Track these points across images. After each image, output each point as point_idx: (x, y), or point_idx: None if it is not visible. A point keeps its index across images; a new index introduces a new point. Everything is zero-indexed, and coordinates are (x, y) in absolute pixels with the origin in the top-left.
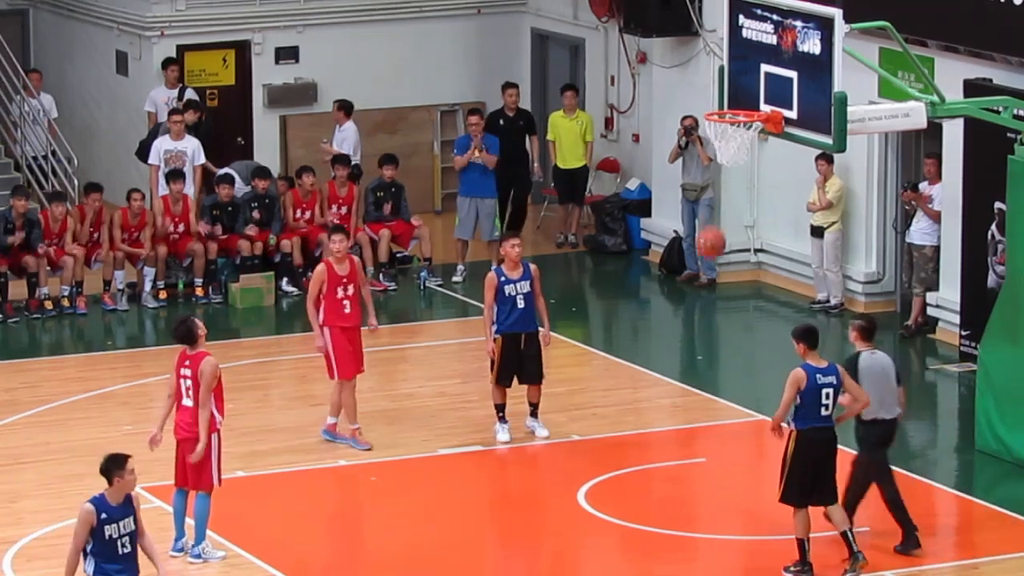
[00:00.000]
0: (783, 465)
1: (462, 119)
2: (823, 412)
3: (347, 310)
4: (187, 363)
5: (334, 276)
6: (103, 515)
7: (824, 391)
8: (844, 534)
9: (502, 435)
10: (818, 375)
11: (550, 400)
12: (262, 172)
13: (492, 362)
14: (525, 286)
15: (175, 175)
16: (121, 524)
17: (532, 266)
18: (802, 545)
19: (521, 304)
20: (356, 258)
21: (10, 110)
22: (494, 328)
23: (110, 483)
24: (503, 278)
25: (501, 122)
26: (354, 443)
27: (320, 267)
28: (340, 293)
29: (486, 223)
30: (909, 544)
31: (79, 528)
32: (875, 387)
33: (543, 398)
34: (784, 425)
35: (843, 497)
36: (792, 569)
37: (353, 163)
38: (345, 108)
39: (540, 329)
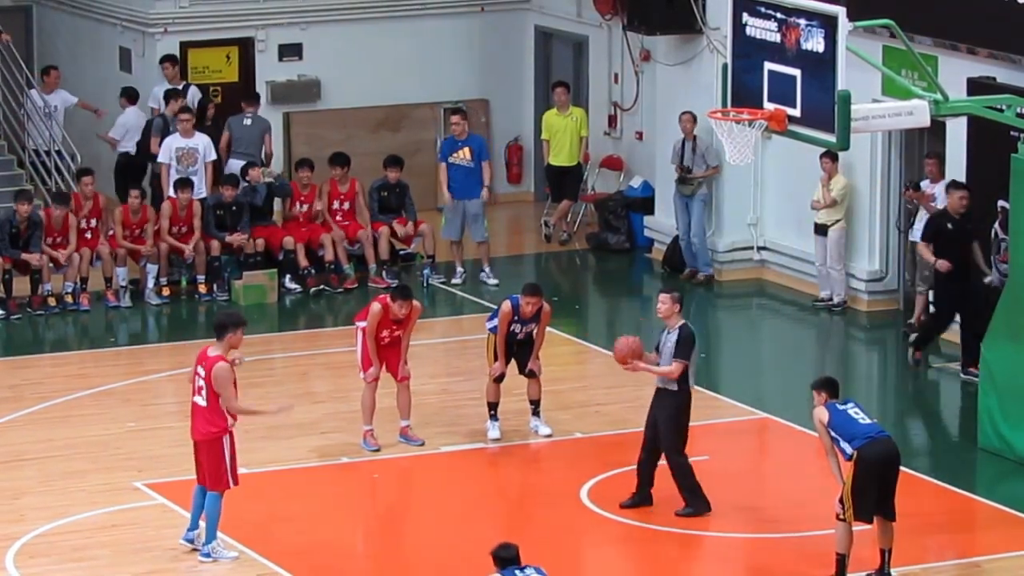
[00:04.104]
0: (845, 488)
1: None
2: (864, 421)
3: (385, 342)
4: (203, 363)
5: (385, 320)
6: None
7: (851, 410)
8: (884, 552)
9: (493, 432)
10: (836, 404)
11: (553, 398)
12: (254, 163)
13: (494, 355)
14: (531, 326)
15: (183, 183)
16: None
17: (546, 307)
18: (841, 561)
19: (521, 337)
20: (416, 304)
21: (14, 106)
22: (490, 327)
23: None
24: (516, 316)
25: (949, 226)
26: (363, 443)
27: (377, 307)
28: (386, 333)
29: (475, 224)
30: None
31: None
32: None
33: (545, 395)
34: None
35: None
36: None
37: (123, 150)
38: (127, 95)
39: (531, 360)
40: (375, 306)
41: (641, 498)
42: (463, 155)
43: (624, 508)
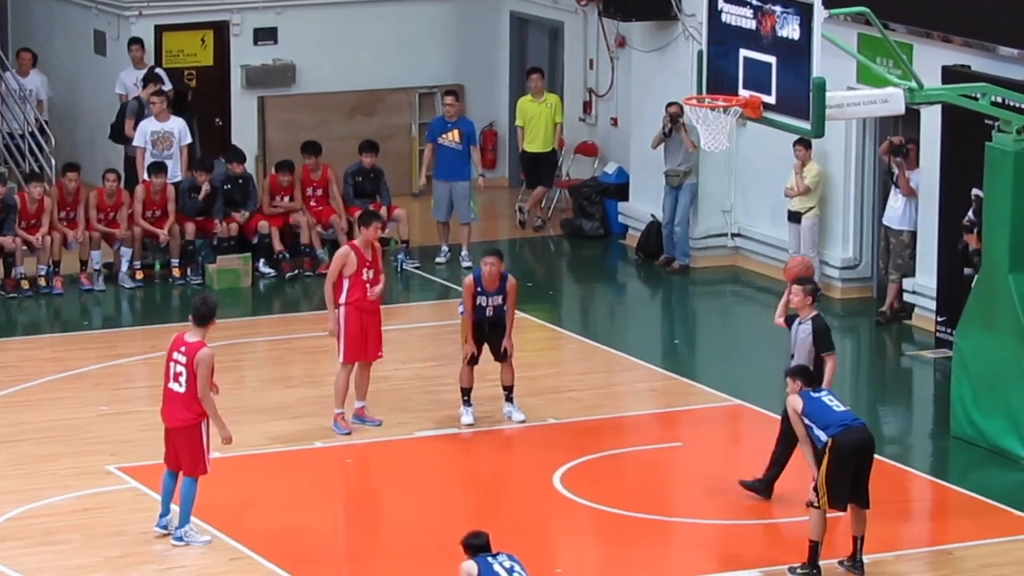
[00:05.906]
0: (819, 475)
1: (439, 102)
2: (838, 409)
3: (368, 276)
4: (182, 349)
5: (362, 259)
6: None
7: (825, 398)
8: (857, 539)
9: (466, 418)
10: (810, 392)
11: (526, 384)
12: (237, 155)
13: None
14: (498, 299)
15: (157, 168)
16: None
17: (510, 281)
18: (815, 548)
19: (490, 313)
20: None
21: None
22: (461, 310)
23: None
24: (479, 288)
25: None
26: (335, 426)
27: (345, 249)
28: (365, 275)
29: (462, 205)
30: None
31: None
32: None
33: (519, 382)
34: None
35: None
36: (799, 571)
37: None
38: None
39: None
40: (343, 249)
41: (764, 483)
42: (452, 137)
43: (743, 486)
